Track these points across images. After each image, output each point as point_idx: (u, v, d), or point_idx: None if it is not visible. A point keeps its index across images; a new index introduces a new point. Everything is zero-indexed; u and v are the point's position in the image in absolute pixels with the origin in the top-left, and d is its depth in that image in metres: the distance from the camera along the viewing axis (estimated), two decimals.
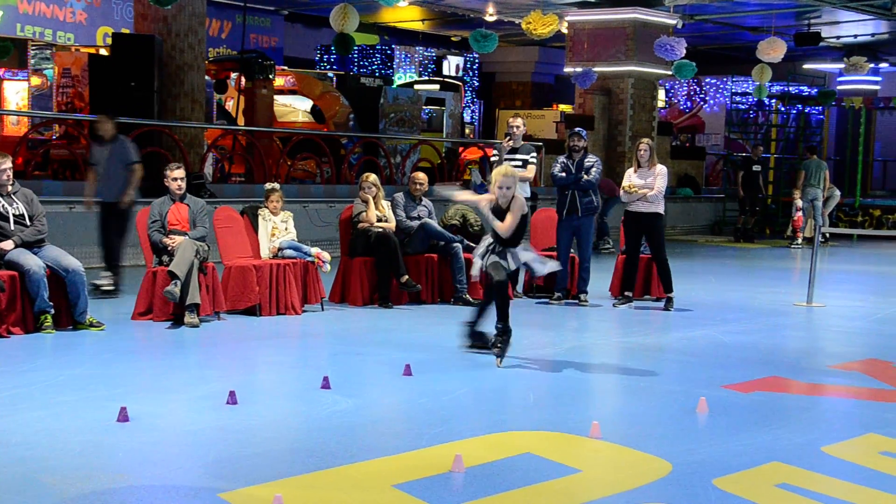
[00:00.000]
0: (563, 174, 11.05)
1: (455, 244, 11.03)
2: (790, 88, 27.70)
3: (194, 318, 9.03)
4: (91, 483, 4.67)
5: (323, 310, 10.36)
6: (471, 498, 4.66)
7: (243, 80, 19.07)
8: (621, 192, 11.13)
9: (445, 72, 29.56)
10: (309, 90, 21.67)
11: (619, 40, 22.65)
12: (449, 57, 30.04)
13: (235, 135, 18.40)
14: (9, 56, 18.79)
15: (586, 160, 11.05)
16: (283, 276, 10.03)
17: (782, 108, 26.36)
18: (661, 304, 11.12)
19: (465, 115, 28.16)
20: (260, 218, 10.41)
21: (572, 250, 11.35)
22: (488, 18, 23.61)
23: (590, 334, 9.87)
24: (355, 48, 24.27)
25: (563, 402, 6.75)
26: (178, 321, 9.09)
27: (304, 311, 10.11)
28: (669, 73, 22.50)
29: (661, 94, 28.75)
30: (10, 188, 8.71)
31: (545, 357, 8.32)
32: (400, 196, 11.31)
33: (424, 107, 23.86)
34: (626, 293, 11.20)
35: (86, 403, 6.18)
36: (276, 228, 10.41)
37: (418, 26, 29.53)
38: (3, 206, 8.62)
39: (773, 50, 21.69)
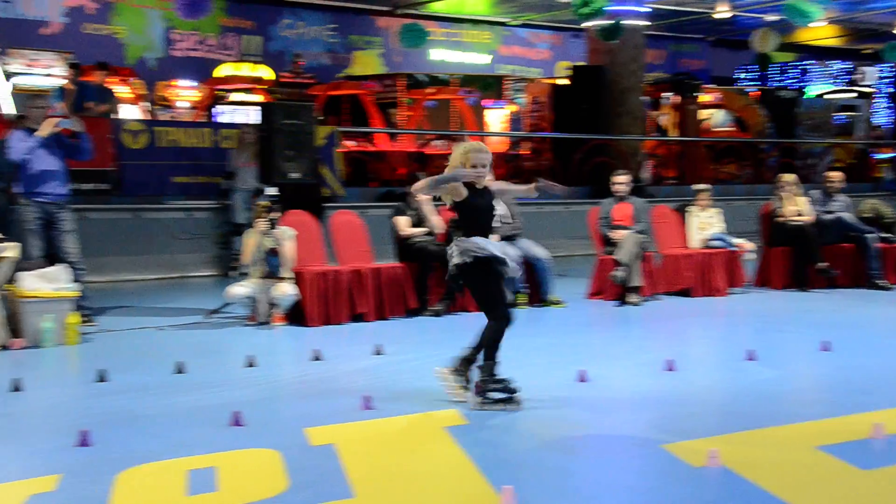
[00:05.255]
0: None
1: (869, 235, 10.14)
2: None
3: (636, 298, 9.07)
4: (560, 430, 4.82)
5: (746, 292, 9.95)
6: (892, 462, 4.23)
7: (675, 97, 18.94)
8: None
9: (860, 82, 27.27)
10: (732, 104, 21.14)
11: None
12: (862, 68, 27.68)
13: (668, 144, 18.28)
14: (492, 90, 20.10)
15: None
16: (710, 262, 9.79)
17: None
18: None
19: (876, 119, 25.84)
20: (690, 214, 10.25)
21: None
22: None
23: None
24: (772, 65, 23.20)
25: None
26: (622, 300, 9.14)
27: (728, 293, 9.76)
28: None
29: None
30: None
31: None
32: (816, 193, 10.62)
33: (837, 113, 22.29)
34: None
35: (553, 366, 6.35)
36: (704, 223, 10.20)
37: (833, 42, 27.45)
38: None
39: None
